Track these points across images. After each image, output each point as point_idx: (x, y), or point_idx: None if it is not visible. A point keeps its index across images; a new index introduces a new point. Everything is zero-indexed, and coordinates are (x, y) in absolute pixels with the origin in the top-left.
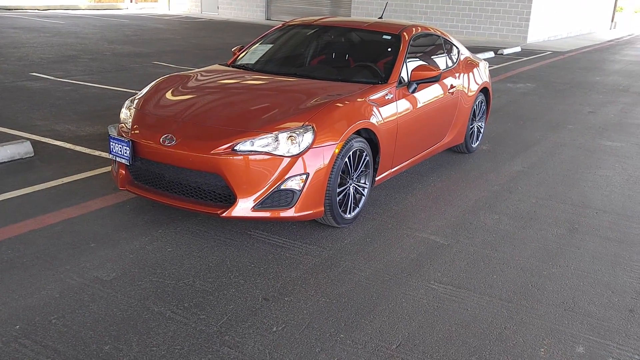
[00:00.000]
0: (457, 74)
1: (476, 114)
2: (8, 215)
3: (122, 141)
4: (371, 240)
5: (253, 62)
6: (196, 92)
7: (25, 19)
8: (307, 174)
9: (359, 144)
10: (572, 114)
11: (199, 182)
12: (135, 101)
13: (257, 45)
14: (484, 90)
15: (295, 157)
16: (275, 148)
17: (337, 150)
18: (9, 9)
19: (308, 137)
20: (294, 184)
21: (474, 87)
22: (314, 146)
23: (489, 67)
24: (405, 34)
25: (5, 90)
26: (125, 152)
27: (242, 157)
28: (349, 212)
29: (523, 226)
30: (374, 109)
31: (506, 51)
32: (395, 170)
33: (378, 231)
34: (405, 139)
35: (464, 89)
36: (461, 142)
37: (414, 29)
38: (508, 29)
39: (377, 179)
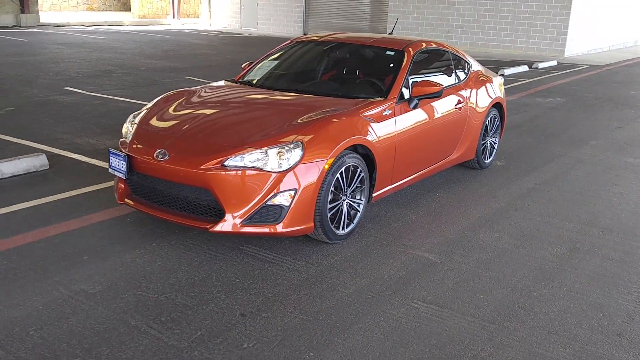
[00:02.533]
0: (466, 90)
1: (489, 130)
2: (12, 226)
3: (119, 155)
4: (362, 256)
5: (257, 78)
6: (195, 107)
7: (70, 34)
8: (295, 190)
9: (352, 160)
10: (598, 129)
11: (190, 197)
12: (138, 116)
13: (264, 61)
14: (497, 106)
15: (283, 173)
16: (265, 164)
17: (326, 167)
18: (58, 26)
19: (297, 153)
20: (282, 199)
21: (485, 103)
22: (302, 162)
23: (520, 81)
24: (409, 49)
25: (37, 104)
26: (122, 167)
27: (231, 172)
28: (342, 228)
29: (522, 245)
30: (370, 125)
31: (541, 65)
32: (396, 186)
33: (371, 247)
34: (406, 155)
35: (474, 105)
36: (472, 158)
37: (419, 45)
38: (545, 42)
39: (374, 195)
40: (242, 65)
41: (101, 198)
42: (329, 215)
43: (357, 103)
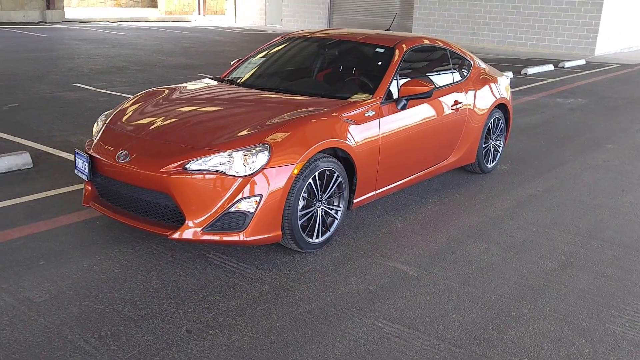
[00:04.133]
0: (465, 90)
1: (492, 133)
2: None
3: (82, 156)
4: (334, 268)
5: (241, 76)
6: (166, 107)
7: (93, 31)
8: (260, 196)
9: (327, 164)
10: (617, 132)
11: (151, 202)
12: (110, 115)
13: (252, 58)
14: (502, 107)
15: (247, 178)
16: (229, 167)
17: (296, 171)
18: (82, 22)
19: (262, 157)
20: (246, 206)
21: (487, 104)
22: (268, 166)
23: (543, 81)
24: (400, 47)
25: (42, 101)
26: (85, 168)
27: (191, 176)
28: (317, 237)
29: (510, 258)
30: (350, 127)
31: (568, 64)
32: (381, 192)
33: (346, 258)
34: (393, 160)
35: (474, 106)
36: (472, 162)
37: (413, 42)
38: (575, 40)
39: (355, 201)
40: (231, 63)
41: (77, 199)
42: (299, 222)
43: (338, 103)
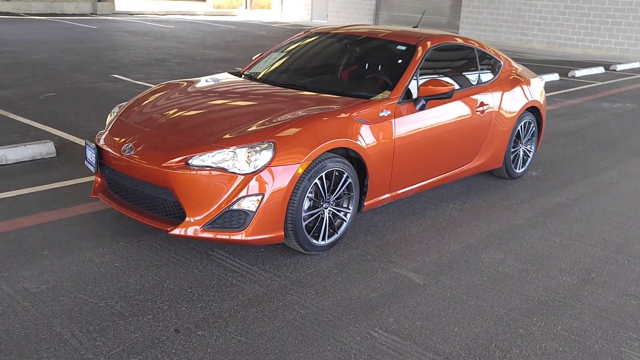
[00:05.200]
0: (492, 92)
1: (521, 137)
2: None
3: (91, 148)
4: (338, 271)
5: (259, 71)
6: (177, 101)
7: (140, 23)
8: (262, 195)
9: (335, 164)
10: None
11: (153, 196)
12: (123, 107)
13: (273, 53)
14: (534, 110)
15: (250, 176)
16: (232, 165)
17: (300, 170)
18: (131, 14)
19: (266, 155)
20: (248, 204)
21: (517, 107)
22: (272, 165)
23: (591, 84)
24: (423, 45)
25: (79, 91)
26: (93, 159)
27: (193, 172)
28: (323, 239)
29: (527, 270)
30: (362, 126)
31: (620, 67)
32: (396, 195)
33: (352, 262)
34: (409, 162)
35: (502, 108)
36: (499, 167)
37: (436, 40)
38: (630, 42)
39: (366, 203)
40: (253, 57)
41: (90, 190)
42: (304, 223)
43: (352, 102)
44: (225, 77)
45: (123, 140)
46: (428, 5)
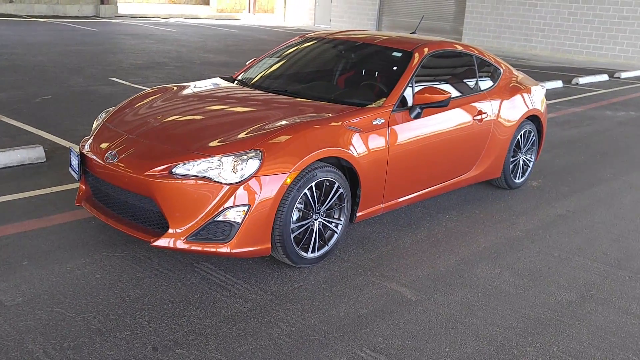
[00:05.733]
0: (491, 100)
1: (521, 146)
2: None
3: (75, 154)
4: (327, 286)
5: (252, 76)
6: (165, 107)
7: (142, 26)
8: (249, 206)
9: (326, 174)
10: None
11: (136, 205)
12: (110, 113)
13: (266, 58)
14: (534, 119)
15: (235, 186)
16: (217, 174)
17: (289, 180)
18: (134, 17)
19: (253, 164)
20: (233, 215)
21: (517, 115)
22: (259, 174)
23: (594, 91)
24: (419, 51)
25: (75, 94)
26: (76, 166)
27: (177, 181)
28: (312, 251)
29: (523, 286)
30: (354, 135)
31: (624, 74)
32: (390, 205)
33: (342, 276)
34: (403, 171)
35: (501, 117)
36: (498, 177)
37: (433, 47)
38: (635, 50)
39: (358, 214)
40: (247, 62)
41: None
42: (292, 235)
43: (344, 110)
44: (216, 82)
45: (107, 147)
46: (431, 11)
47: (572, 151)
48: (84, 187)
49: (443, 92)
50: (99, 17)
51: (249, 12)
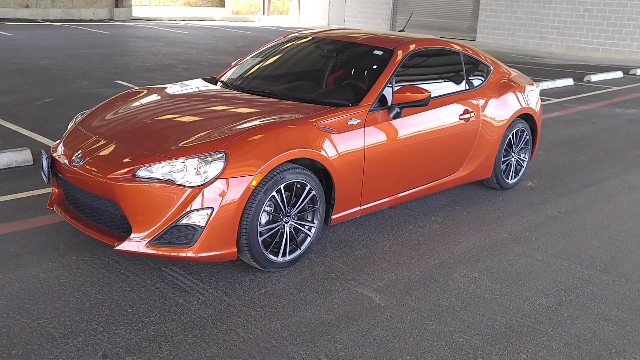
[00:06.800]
0: (479, 98)
1: (513, 145)
2: None
3: (45, 157)
4: (296, 291)
5: (233, 76)
6: (137, 109)
7: (155, 29)
8: (212, 209)
9: (295, 175)
10: None
11: (101, 209)
12: (84, 115)
13: (248, 58)
14: (526, 117)
15: (198, 189)
16: (180, 176)
17: (254, 183)
18: (148, 20)
19: (216, 166)
20: (196, 219)
21: (507, 114)
22: (223, 177)
23: (606, 89)
24: (400, 50)
25: (77, 97)
26: (46, 169)
27: (139, 184)
28: (283, 255)
29: (500, 291)
30: (327, 136)
31: None
32: (369, 207)
33: (313, 280)
34: (382, 173)
35: (489, 116)
36: (489, 177)
37: (416, 45)
38: None
39: (334, 217)
40: (233, 62)
41: None
42: (260, 239)
43: (318, 109)
44: (195, 83)
45: (74, 150)
46: (445, 10)
47: (573, 150)
48: (56, 190)
49: (423, 91)
50: (113, 20)
51: (264, 14)
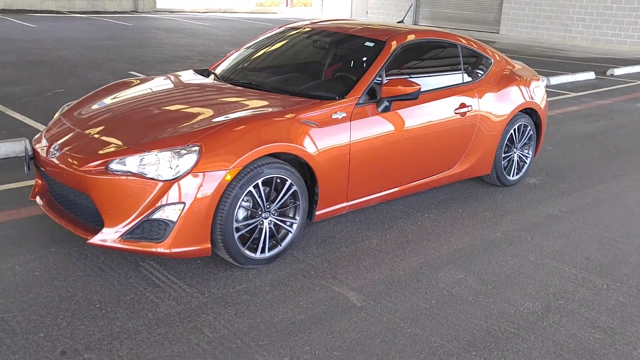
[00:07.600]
0: (477, 92)
1: (515, 141)
2: None
3: (26, 148)
4: (271, 289)
5: (224, 68)
6: (121, 101)
7: (177, 20)
8: (184, 204)
9: (274, 170)
10: None
11: (76, 202)
12: (69, 106)
13: (241, 50)
14: (530, 112)
15: (170, 182)
16: (155, 170)
17: (229, 177)
18: (172, 11)
19: (189, 160)
20: (168, 214)
21: (508, 108)
22: (195, 170)
23: (628, 83)
24: (392, 41)
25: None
26: (27, 160)
27: (111, 177)
28: (262, 251)
29: (485, 293)
30: (310, 129)
31: None
32: (356, 204)
33: (291, 278)
34: (370, 168)
35: (488, 110)
36: (488, 173)
37: (410, 36)
38: None
39: (318, 213)
40: (228, 54)
41: None
42: (237, 235)
43: (302, 102)
44: (184, 75)
45: (53, 140)
46: (470, 2)
47: (585, 146)
48: (39, 181)
49: (413, 84)
50: (137, 12)
51: (287, 6)
